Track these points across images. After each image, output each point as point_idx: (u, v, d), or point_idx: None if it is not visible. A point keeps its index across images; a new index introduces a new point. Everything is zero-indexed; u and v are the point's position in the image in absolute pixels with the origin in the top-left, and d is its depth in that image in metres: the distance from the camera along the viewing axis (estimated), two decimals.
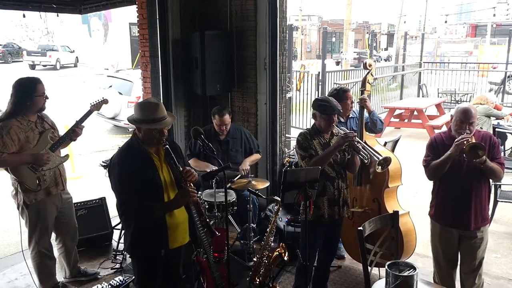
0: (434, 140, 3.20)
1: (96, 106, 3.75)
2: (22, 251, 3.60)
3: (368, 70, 3.90)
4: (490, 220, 4.85)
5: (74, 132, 3.56)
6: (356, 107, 4.14)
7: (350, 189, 3.86)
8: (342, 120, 4.06)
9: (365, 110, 3.86)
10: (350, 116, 4.10)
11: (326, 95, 4.25)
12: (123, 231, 4.28)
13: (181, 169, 2.58)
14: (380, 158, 3.17)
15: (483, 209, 3.11)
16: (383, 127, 4.10)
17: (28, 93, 3.34)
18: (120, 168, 2.55)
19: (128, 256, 2.96)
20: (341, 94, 3.97)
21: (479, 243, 3.12)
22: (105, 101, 3.80)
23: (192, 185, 2.59)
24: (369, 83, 3.91)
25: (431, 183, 3.28)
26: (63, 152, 3.77)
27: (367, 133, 3.95)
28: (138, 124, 2.59)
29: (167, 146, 2.58)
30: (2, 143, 3.21)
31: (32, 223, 3.49)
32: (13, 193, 3.48)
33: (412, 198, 5.72)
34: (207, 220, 2.71)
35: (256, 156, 4.58)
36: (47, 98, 3.46)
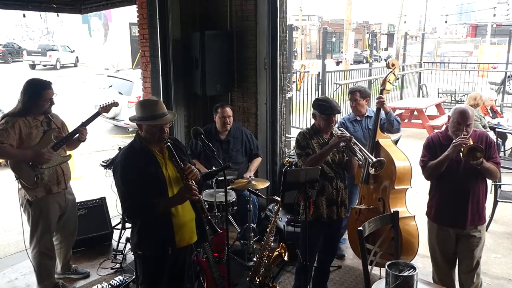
0: (431, 140, 3.20)
1: (105, 109, 3.73)
2: (26, 249, 3.62)
3: (390, 70, 3.89)
4: (490, 220, 4.88)
5: (80, 133, 3.56)
6: (373, 106, 4.15)
7: (359, 187, 3.88)
8: (358, 118, 4.09)
9: (382, 110, 3.85)
10: (366, 115, 4.12)
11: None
12: (123, 231, 4.32)
13: (182, 166, 2.59)
14: (374, 160, 3.17)
15: (480, 208, 3.11)
16: (400, 127, 4.06)
17: (33, 97, 3.40)
18: (123, 165, 2.58)
19: (133, 255, 2.93)
20: (349, 94, 4.05)
21: (476, 243, 3.12)
22: (115, 104, 3.77)
23: (194, 182, 2.59)
24: (389, 82, 3.90)
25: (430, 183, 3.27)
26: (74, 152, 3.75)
27: (384, 133, 3.93)
28: (139, 122, 2.63)
29: (169, 143, 2.59)
30: (6, 134, 3.28)
31: (34, 221, 3.52)
32: (18, 190, 3.53)
33: (412, 198, 5.70)
34: (209, 217, 2.71)
35: (258, 161, 4.60)
36: (52, 103, 3.48)
